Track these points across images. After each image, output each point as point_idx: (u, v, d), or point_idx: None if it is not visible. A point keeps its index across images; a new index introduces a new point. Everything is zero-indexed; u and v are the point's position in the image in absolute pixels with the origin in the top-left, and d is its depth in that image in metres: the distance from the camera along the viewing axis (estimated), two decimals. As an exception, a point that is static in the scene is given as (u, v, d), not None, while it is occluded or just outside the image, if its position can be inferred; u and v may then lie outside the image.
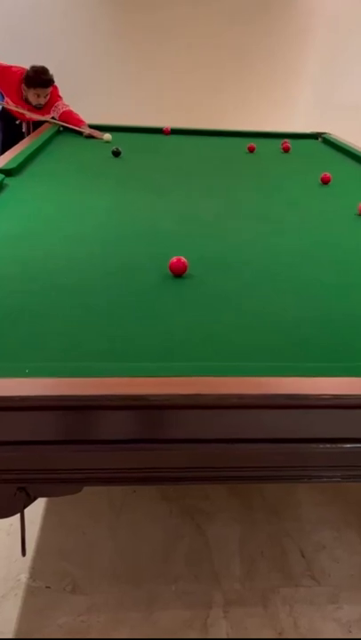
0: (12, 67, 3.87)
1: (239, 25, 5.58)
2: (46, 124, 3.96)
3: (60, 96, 4.02)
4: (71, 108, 4.00)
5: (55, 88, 3.94)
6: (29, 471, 1.13)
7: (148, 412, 1.05)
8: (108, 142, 3.75)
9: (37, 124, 4.02)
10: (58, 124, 3.94)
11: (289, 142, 3.92)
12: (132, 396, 1.03)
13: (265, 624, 1.63)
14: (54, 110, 3.97)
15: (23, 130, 4.12)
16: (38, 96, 3.85)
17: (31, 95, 3.84)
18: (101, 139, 3.83)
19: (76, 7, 5.34)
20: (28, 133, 3.98)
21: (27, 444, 1.05)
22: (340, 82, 5.89)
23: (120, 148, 3.36)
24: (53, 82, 3.85)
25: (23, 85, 3.81)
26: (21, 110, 3.91)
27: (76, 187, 2.63)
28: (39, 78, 3.78)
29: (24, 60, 3.93)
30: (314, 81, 5.90)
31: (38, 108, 3.93)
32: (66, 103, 4.02)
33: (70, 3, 5.33)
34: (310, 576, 1.80)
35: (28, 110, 3.91)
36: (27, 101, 3.89)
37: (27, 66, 3.82)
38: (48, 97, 3.90)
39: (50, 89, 3.87)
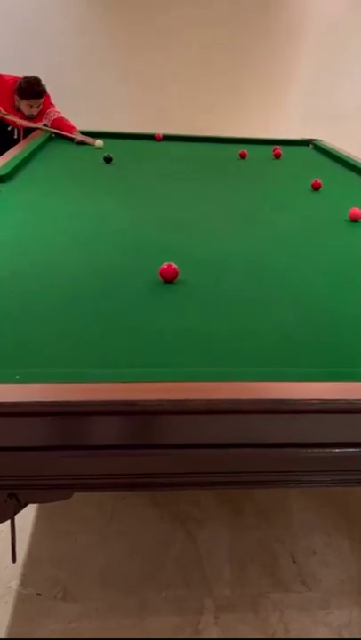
0: (3, 75, 3.88)
1: (233, 33, 5.63)
2: (38, 131, 3.97)
3: (52, 104, 4.04)
4: (63, 115, 4.01)
5: (47, 97, 3.96)
6: (20, 477, 1.13)
7: (138, 418, 1.05)
8: (99, 148, 3.76)
9: (29, 131, 4.03)
10: (50, 131, 3.95)
11: (280, 149, 3.95)
12: (123, 402, 1.03)
13: (256, 630, 1.64)
14: (46, 117, 3.98)
15: (15, 136, 4.12)
16: (31, 107, 3.87)
17: (24, 106, 3.86)
18: (93, 145, 3.84)
19: (71, 12, 5.36)
20: (20, 140, 3.99)
21: (17, 449, 1.05)
22: (331, 88, 5.95)
23: (112, 155, 3.37)
24: (46, 92, 3.87)
25: (16, 96, 3.83)
26: (13, 118, 3.92)
27: (67, 193, 2.63)
28: (32, 89, 3.80)
29: (21, 64, 3.95)
30: (307, 87, 5.95)
31: (31, 118, 3.94)
32: (58, 110, 4.03)
33: (67, 8, 5.35)
34: (301, 581, 1.80)
35: (21, 118, 3.92)
36: (19, 111, 3.90)
37: (21, 74, 3.83)
38: (41, 107, 3.92)
39: (42, 99, 3.88)
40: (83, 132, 3.98)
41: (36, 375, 1.09)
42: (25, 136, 4.01)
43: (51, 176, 2.99)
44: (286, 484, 1.35)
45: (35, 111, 3.90)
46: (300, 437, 1.10)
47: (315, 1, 5.71)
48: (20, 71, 3.86)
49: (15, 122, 3.96)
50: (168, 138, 4.29)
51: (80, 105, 4.54)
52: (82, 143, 3.89)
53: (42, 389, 1.05)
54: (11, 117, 3.91)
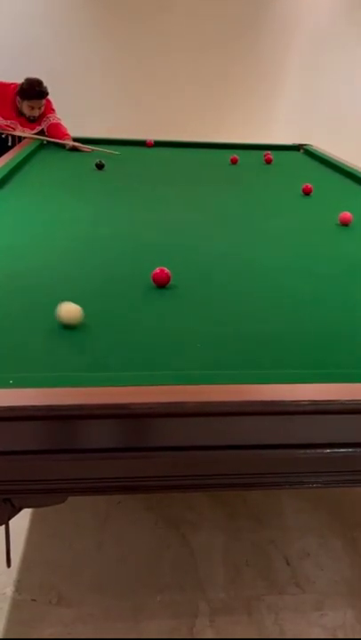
0: (3, 82, 3.93)
1: (225, 40, 5.66)
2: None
3: (53, 109, 4.08)
4: (61, 122, 4.06)
5: (49, 102, 4.00)
6: (14, 482, 1.13)
7: (131, 421, 1.06)
8: (90, 153, 3.80)
9: (21, 137, 4.05)
10: (40, 139, 3.97)
11: (271, 154, 3.97)
12: (116, 405, 1.04)
13: (251, 632, 1.64)
14: (45, 121, 4.02)
15: (9, 144, 4.13)
16: (32, 108, 3.90)
17: (25, 107, 3.90)
18: (85, 151, 3.87)
19: (71, 18, 5.40)
20: (13, 146, 4.00)
21: (11, 454, 1.06)
22: (326, 93, 6.00)
23: (103, 161, 3.39)
24: (47, 93, 3.90)
25: (18, 98, 3.86)
26: (13, 126, 3.95)
27: (59, 199, 2.64)
28: (33, 90, 3.84)
29: (21, 71, 3.97)
30: (302, 92, 6.00)
31: (32, 121, 3.97)
32: (58, 117, 4.07)
33: (67, 14, 5.38)
34: (295, 583, 1.81)
35: (20, 124, 3.95)
36: (21, 114, 3.93)
37: (22, 80, 3.86)
38: (42, 109, 3.95)
39: (44, 101, 3.92)
40: (75, 139, 4.01)
41: (29, 379, 1.10)
42: (17, 142, 4.03)
43: (43, 182, 3.00)
44: (279, 485, 1.35)
45: (36, 112, 3.94)
46: (292, 439, 1.11)
47: (308, 7, 5.76)
48: (20, 77, 3.89)
49: (11, 127, 3.98)
50: (159, 144, 4.31)
51: (75, 110, 4.56)
52: (74, 149, 3.91)
53: (35, 394, 1.06)
54: (8, 123, 3.94)
